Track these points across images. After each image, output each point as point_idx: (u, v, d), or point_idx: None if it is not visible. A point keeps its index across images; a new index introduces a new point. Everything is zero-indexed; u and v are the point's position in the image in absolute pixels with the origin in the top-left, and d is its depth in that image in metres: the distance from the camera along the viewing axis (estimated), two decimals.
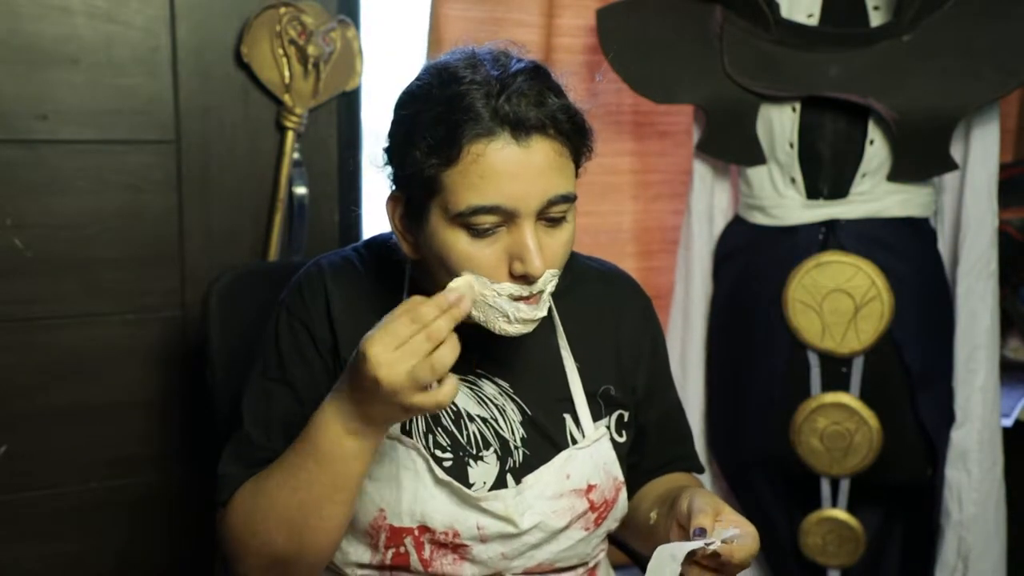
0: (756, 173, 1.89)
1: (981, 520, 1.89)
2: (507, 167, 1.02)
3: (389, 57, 2.01)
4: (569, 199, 1.07)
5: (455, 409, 1.17)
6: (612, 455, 1.22)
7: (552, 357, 1.23)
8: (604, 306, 1.28)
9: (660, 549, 1.02)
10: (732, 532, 1.02)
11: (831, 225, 1.85)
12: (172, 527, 1.84)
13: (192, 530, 1.82)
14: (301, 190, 1.83)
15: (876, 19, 1.83)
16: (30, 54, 1.64)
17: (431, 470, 1.13)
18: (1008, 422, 2.04)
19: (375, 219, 1.97)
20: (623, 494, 1.23)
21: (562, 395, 1.21)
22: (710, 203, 1.99)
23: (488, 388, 1.19)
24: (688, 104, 1.94)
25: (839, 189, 1.84)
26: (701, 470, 1.38)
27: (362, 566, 1.18)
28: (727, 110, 1.86)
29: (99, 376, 1.75)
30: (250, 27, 1.76)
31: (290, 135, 1.82)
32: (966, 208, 1.88)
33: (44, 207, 1.68)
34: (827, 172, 1.84)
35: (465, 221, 1.04)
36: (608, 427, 1.23)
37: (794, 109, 1.84)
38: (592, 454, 1.20)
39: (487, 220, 1.03)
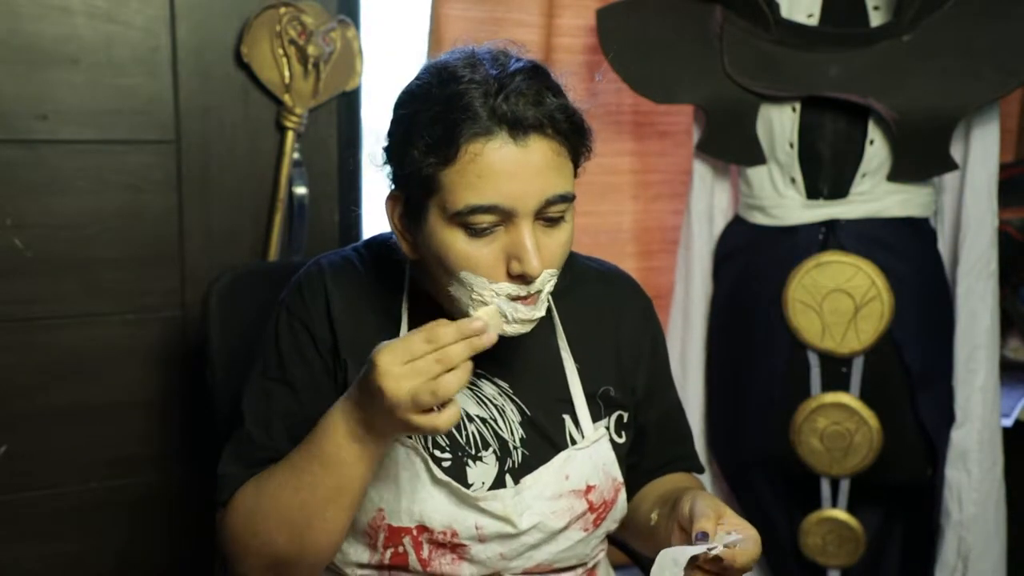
0: (756, 173, 1.89)
1: (981, 520, 1.89)
2: (505, 166, 1.02)
3: (389, 57, 2.01)
4: (567, 199, 1.07)
5: None
6: (611, 456, 1.22)
7: (552, 357, 1.23)
8: (604, 306, 1.28)
9: (662, 553, 1.02)
10: (734, 537, 1.02)
11: (831, 225, 1.85)
12: (172, 527, 1.84)
13: (192, 530, 1.82)
14: (301, 190, 1.83)
15: (876, 19, 1.83)
16: (30, 54, 1.64)
17: (430, 470, 1.13)
18: (1008, 422, 2.04)
19: (375, 219, 1.97)
20: (622, 495, 1.23)
21: (561, 396, 1.21)
22: (710, 203, 1.99)
23: (487, 388, 1.19)
24: (688, 104, 1.94)
25: (839, 189, 1.84)
26: (701, 470, 1.38)
27: (361, 566, 1.18)
28: (727, 110, 1.86)
29: (99, 376, 1.75)
30: (250, 27, 1.76)
31: (290, 135, 1.82)
32: (966, 208, 1.88)
33: (44, 207, 1.68)
34: (827, 172, 1.84)
35: (463, 220, 1.04)
36: (607, 428, 1.23)
37: (794, 109, 1.84)
38: (591, 455, 1.20)
39: (485, 219, 1.03)
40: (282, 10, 1.78)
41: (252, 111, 1.81)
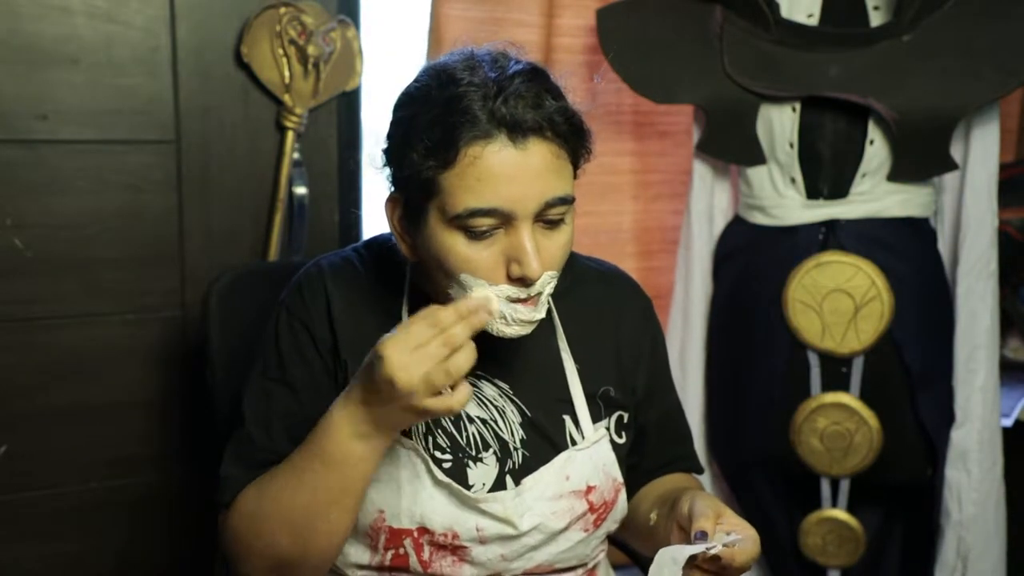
0: (756, 173, 1.89)
1: (981, 520, 1.89)
2: (504, 169, 1.02)
3: (389, 57, 2.01)
4: (567, 201, 1.07)
5: None
6: (611, 456, 1.22)
7: (552, 358, 1.23)
8: (604, 307, 1.28)
9: (661, 552, 1.02)
10: (733, 536, 1.02)
11: (831, 225, 1.85)
12: (172, 527, 1.84)
13: (192, 530, 1.82)
14: (301, 190, 1.83)
15: (876, 19, 1.83)
16: (30, 54, 1.64)
17: (430, 471, 1.13)
18: (1008, 422, 2.04)
19: (375, 219, 1.97)
20: (622, 495, 1.23)
21: (562, 396, 1.21)
22: (710, 203, 1.99)
23: (488, 389, 1.19)
24: (688, 104, 1.94)
25: (839, 189, 1.84)
26: (701, 470, 1.38)
27: (362, 567, 1.18)
28: (727, 110, 1.86)
29: (99, 376, 1.75)
30: (250, 27, 1.76)
31: (290, 135, 1.82)
32: (966, 208, 1.88)
33: (44, 207, 1.68)
34: (827, 172, 1.84)
35: (462, 223, 1.04)
36: (608, 428, 1.23)
37: (794, 109, 1.84)
38: (592, 455, 1.20)
39: (484, 222, 1.03)
40: (282, 10, 1.78)
41: (252, 111, 1.81)
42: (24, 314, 1.69)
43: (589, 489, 1.19)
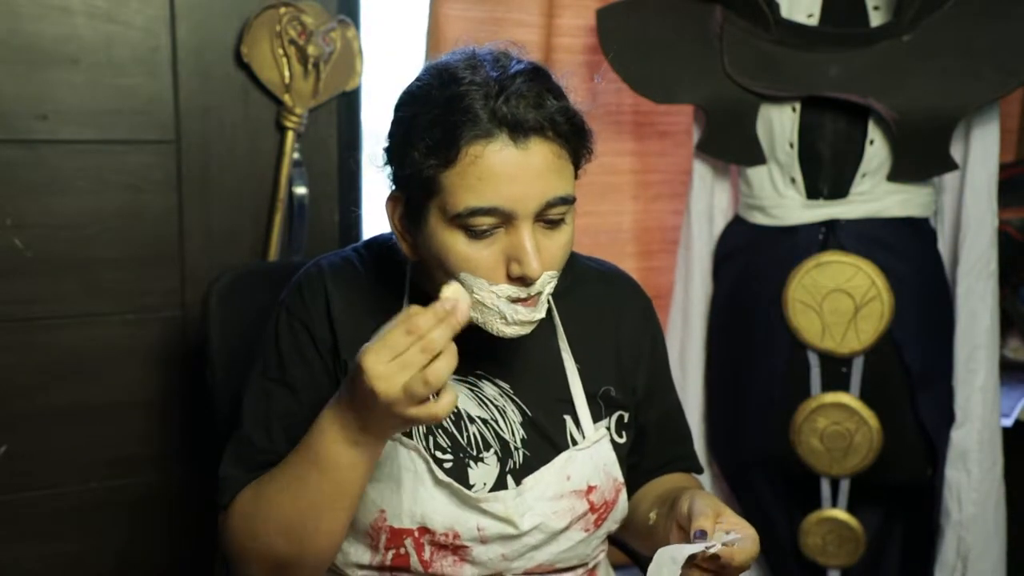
0: (756, 173, 1.89)
1: (981, 520, 1.89)
2: (505, 169, 1.02)
3: (389, 57, 2.01)
4: (567, 201, 1.07)
5: (455, 410, 1.17)
6: (612, 456, 1.22)
7: (552, 358, 1.23)
8: (604, 306, 1.28)
9: (660, 551, 1.02)
10: (732, 536, 1.02)
11: (831, 225, 1.85)
12: (172, 527, 1.84)
13: (192, 530, 1.82)
14: (301, 190, 1.83)
15: (876, 19, 1.83)
16: (30, 54, 1.64)
17: (431, 471, 1.13)
18: (1008, 422, 2.04)
19: (375, 219, 1.97)
20: (623, 495, 1.23)
21: (562, 396, 1.21)
22: (710, 203, 1.99)
23: (488, 389, 1.19)
24: (688, 104, 1.94)
25: (839, 189, 1.84)
26: (701, 470, 1.38)
27: (362, 567, 1.18)
28: (727, 110, 1.86)
29: (99, 376, 1.75)
30: (250, 27, 1.76)
31: (290, 135, 1.82)
32: (966, 208, 1.88)
33: (44, 207, 1.68)
34: (827, 172, 1.84)
35: (463, 222, 1.04)
36: (608, 428, 1.23)
37: (794, 109, 1.84)
38: (592, 455, 1.20)
39: (485, 222, 1.03)
40: (282, 10, 1.78)
41: (252, 111, 1.81)
42: (24, 314, 1.69)
43: (590, 489, 1.19)
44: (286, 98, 1.81)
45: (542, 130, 1.03)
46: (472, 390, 1.18)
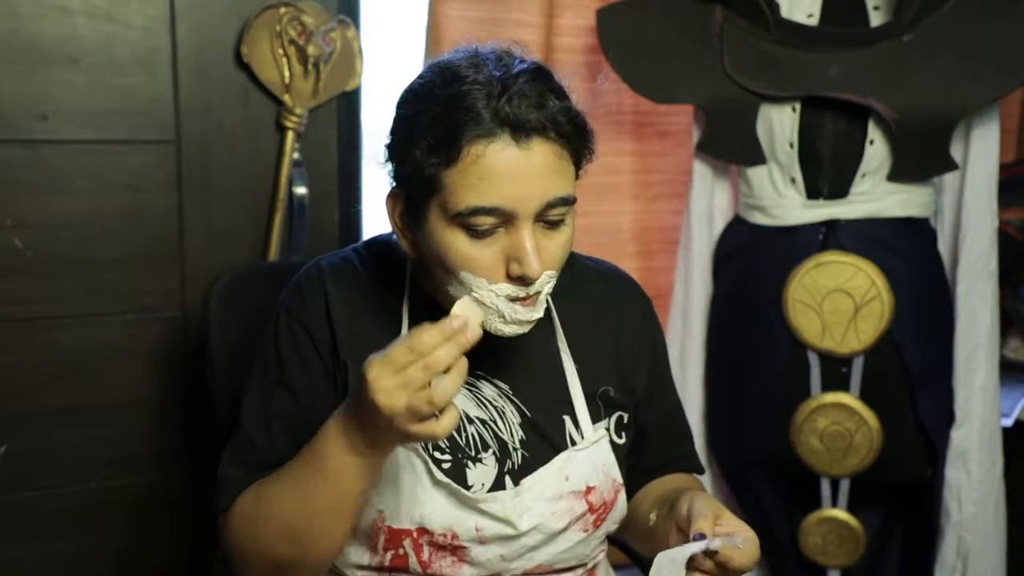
0: (756, 173, 1.89)
1: (981, 520, 1.89)
2: (507, 168, 1.02)
3: (389, 57, 2.01)
4: (568, 202, 1.07)
5: None
6: (611, 457, 1.22)
7: (552, 358, 1.23)
8: (604, 307, 1.28)
9: (661, 555, 1.02)
10: (732, 538, 1.02)
11: (831, 225, 1.85)
12: (172, 527, 1.84)
13: (192, 530, 1.82)
14: (301, 190, 1.83)
15: (876, 19, 1.83)
16: (30, 54, 1.64)
17: (429, 472, 1.13)
18: (1008, 422, 2.04)
19: (375, 219, 1.97)
20: (622, 496, 1.23)
21: (561, 397, 1.21)
22: (710, 203, 1.99)
23: (487, 390, 1.19)
24: (688, 104, 1.94)
25: (839, 189, 1.84)
26: (701, 470, 1.38)
27: (361, 567, 1.18)
28: (727, 110, 1.86)
29: (99, 376, 1.75)
30: (250, 27, 1.76)
31: (290, 135, 1.82)
32: (966, 208, 1.88)
33: (44, 207, 1.68)
34: (827, 172, 1.84)
35: (464, 221, 1.04)
36: (607, 429, 1.23)
37: (794, 109, 1.84)
38: (591, 456, 1.20)
39: (486, 221, 1.03)
40: (282, 10, 1.78)
41: (252, 111, 1.81)
42: (24, 314, 1.69)
43: (588, 490, 1.19)
44: (286, 98, 1.81)
45: (544, 130, 1.03)
46: (471, 390, 1.18)
